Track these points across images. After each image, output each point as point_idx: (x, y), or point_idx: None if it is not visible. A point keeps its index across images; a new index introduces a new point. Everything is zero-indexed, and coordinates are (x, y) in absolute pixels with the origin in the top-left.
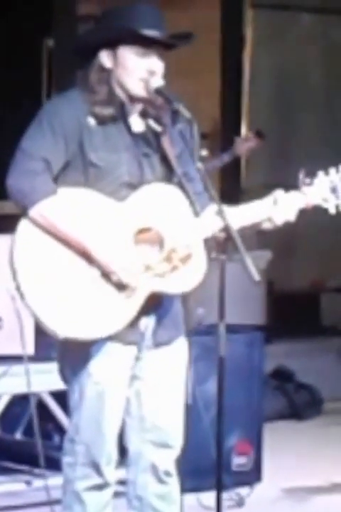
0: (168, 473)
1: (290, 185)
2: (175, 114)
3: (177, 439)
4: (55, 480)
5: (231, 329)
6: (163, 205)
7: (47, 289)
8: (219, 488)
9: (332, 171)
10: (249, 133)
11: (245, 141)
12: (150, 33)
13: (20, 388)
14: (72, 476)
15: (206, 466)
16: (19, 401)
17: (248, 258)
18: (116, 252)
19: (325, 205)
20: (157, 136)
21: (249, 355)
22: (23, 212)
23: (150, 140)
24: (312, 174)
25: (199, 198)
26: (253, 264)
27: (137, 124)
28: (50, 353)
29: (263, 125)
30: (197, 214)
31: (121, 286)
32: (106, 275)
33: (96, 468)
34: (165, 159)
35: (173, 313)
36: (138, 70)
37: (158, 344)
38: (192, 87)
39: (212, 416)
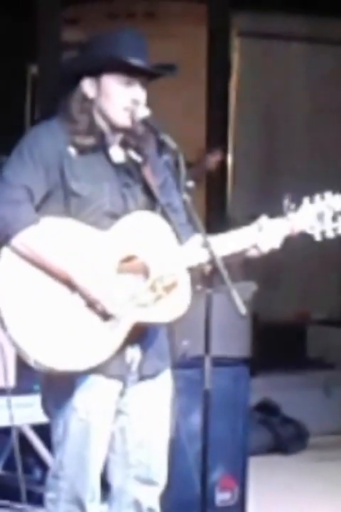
0: (151, 510)
1: (277, 213)
2: (161, 145)
3: (161, 475)
4: None
5: (216, 362)
6: (147, 234)
7: (29, 319)
8: None
9: (317, 197)
10: (216, 148)
11: (213, 156)
12: (136, 61)
13: (2, 421)
14: None
15: (189, 501)
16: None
17: (234, 291)
18: (100, 281)
19: (310, 232)
20: (138, 166)
21: (234, 388)
22: (4, 242)
23: (131, 170)
24: (297, 201)
25: (183, 228)
26: (239, 297)
27: (117, 154)
28: (31, 385)
29: (250, 153)
30: (181, 243)
31: (105, 316)
32: (90, 305)
33: (80, 504)
34: (147, 189)
35: (158, 344)
36: (121, 100)
37: (143, 377)
38: (177, 115)
39: (196, 450)
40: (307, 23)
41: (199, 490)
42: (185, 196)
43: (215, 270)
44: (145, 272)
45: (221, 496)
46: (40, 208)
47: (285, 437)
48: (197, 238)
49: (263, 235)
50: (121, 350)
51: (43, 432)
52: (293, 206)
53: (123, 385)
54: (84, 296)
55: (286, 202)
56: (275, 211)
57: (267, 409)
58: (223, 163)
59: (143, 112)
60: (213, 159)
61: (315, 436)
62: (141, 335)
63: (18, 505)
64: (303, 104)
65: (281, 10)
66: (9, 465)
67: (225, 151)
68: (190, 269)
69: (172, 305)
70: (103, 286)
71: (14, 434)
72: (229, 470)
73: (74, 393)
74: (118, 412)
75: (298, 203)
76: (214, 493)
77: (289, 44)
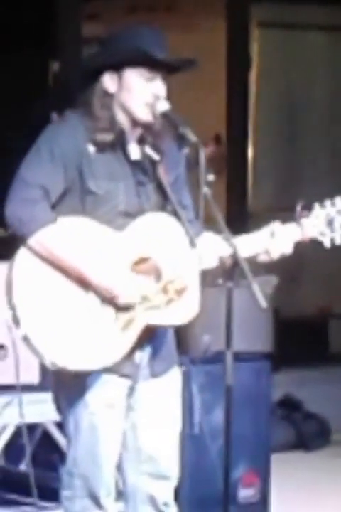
0: (166, 504)
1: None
2: (181, 138)
3: (173, 469)
4: None
5: (238, 357)
6: (160, 236)
7: (43, 318)
8: None
9: (328, 203)
10: (208, 139)
11: (207, 148)
12: (159, 55)
13: (25, 418)
14: (71, 509)
15: (212, 497)
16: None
17: (255, 285)
18: (116, 277)
19: (320, 239)
20: (153, 164)
21: (256, 383)
22: (21, 241)
23: (147, 168)
24: (309, 206)
25: (191, 226)
26: (260, 291)
27: (135, 151)
28: None
29: (270, 146)
30: (193, 244)
31: (121, 309)
32: (105, 300)
33: (96, 500)
34: (159, 187)
35: (167, 343)
36: (143, 94)
37: (153, 375)
38: (197, 108)
39: (218, 446)
40: (327, 12)
41: (222, 486)
42: (205, 189)
43: (236, 264)
44: (158, 274)
45: (244, 492)
46: (56, 206)
47: (308, 433)
48: (209, 236)
49: (275, 241)
50: (132, 352)
51: None
52: (305, 212)
53: (134, 383)
54: (101, 293)
55: (299, 208)
56: (295, 207)
57: (289, 405)
58: (219, 154)
59: (164, 105)
60: (206, 151)
61: (338, 432)
62: (151, 336)
63: (44, 503)
64: (324, 95)
65: None
66: (33, 462)
67: (218, 142)
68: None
69: (184, 308)
70: (119, 281)
71: (24, 431)
72: (251, 466)
73: (86, 391)
74: (129, 408)
75: (310, 207)
76: (237, 489)
77: (309, 34)
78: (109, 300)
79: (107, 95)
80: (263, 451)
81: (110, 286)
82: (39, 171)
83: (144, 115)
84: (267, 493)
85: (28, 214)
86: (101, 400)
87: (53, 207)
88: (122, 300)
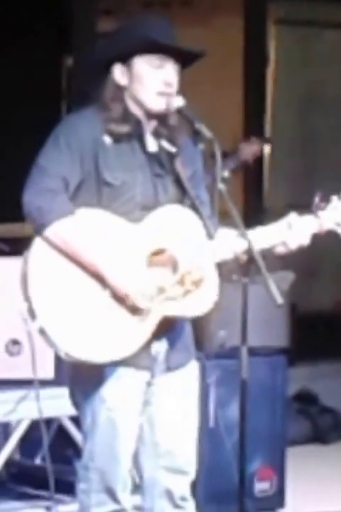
0: (184, 499)
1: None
2: (196, 134)
3: (190, 464)
4: (75, 506)
5: (254, 352)
6: (177, 228)
7: (59, 309)
8: None
9: None
10: (254, 137)
11: (250, 146)
12: (166, 41)
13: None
14: (87, 503)
15: (228, 491)
16: (39, 425)
17: (271, 281)
18: (130, 275)
19: (337, 230)
20: (170, 157)
21: (272, 378)
22: (37, 231)
23: (163, 161)
24: (327, 198)
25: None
26: (276, 287)
27: (152, 143)
28: None
29: (287, 143)
30: (210, 237)
31: (134, 310)
32: (120, 299)
33: (112, 494)
34: (177, 181)
35: (184, 336)
36: (154, 83)
37: (170, 368)
38: (214, 105)
39: (234, 440)
40: None
41: (238, 480)
42: (221, 186)
43: (251, 260)
44: (175, 266)
45: (260, 486)
46: (73, 197)
47: (324, 427)
48: (226, 232)
49: (292, 233)
50: (149, 344)
51: None
52: (322, 204)
53: (151, 376)
54: (114, 289)
55: (316, 199)
56: (311, 204)
57: (306, 399)
58: (261, 154)
59: (178, 101)
60: (249, 150)
61: None
62: (168, 328)
63: (58, 496)
64: None
65: None
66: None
67: (265, 141)
68: (224, 262)
69: (201, 299)
70: (134, 280)
71: (42, 425)
72: (267, 460)
73: (103, 384)
74: (146, 402)
75: (327, 199)
76: (253, 483)
77: (326, 31)
78: (122, 299)
79: (119, 88)
80: (278, 445)
81: (124, 285)
82: (57, 161)
83: (156, 105)
84: (283, 486)
85: (48, 204)
86: (118, 395)
87: (70, 198)
88: (134, 301)
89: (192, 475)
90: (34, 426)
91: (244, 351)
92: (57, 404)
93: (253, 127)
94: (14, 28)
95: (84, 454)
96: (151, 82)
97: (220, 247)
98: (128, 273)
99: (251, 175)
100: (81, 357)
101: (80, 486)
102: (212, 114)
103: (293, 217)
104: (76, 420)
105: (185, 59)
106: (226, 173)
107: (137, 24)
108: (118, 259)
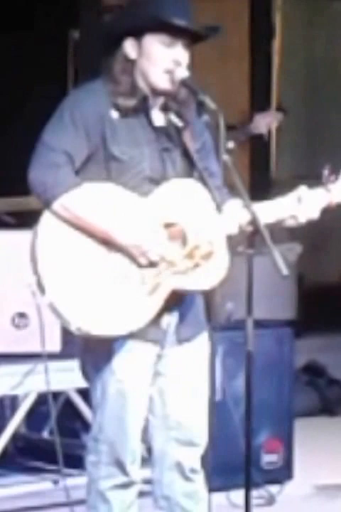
0: (193, 471)
1: (320, 176)
2: (200, 106)
3: (201, 436)
4: (83, 479)
5: (261, 324)
6: (186, 201)
7: (68, 283)
8: (248, 485)
9: None
10: (269, 108)
11: (264, 118)
12: (179, 21)
13: (48, 386)
14: (96, 475)
15: (235, 463)
16: (45, 399)
17: (276, 252)
18: (144, 234)
19: None
20: (178, 130)
21: (279, 350)
22: (45, 205)
23: (172, 134)
24: (336, 171)
25: (218, 192)
26: (283, 258)
27: (158, 118)
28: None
29: (294, 115)
30: (219, 210)
31: (150, 264)
32: (132, 268)
33: (121, 466)
34: (185, 154)
35: (195, 309)
36: (163, 61)
37: (180, 341)
38: (220, 78)
39: (241, 413)
40: None
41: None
42: (225, 157)
43: (257, 231)
44: (184, 240)
45: (267, 458)
46: (81, 172)
47: (332, 399)
48: (234, 203)
49: (302, 206)
50: (159, 317)
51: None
52: (333, 177)
53: (161, 349)
54: (128, 252)
55: (326, 172)
56: (320, 173)
57: (313, 371)
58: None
59: (183, 72)
60: (263, 121)
61: None
62: (178, 301)
63: (66, 470)
64: None
65: None
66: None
67: (281, 111)
68: (232, 234)
69: (209, 273)
70: (146, 235)
71: (50, 398)
72: (275, 432)
73: (113, 357)
74: (157, 374)
75: (337, 172)
76: (260, 455)
77: (333, 3)
78: (138, 257)
79: (128, 61)
80: (286, 417)
81: (139, 242)
82: (62, 136)
83: (162, 83)
84: (291, 458)
85: (52, 178)
86: (128, 367)
87: (77, 173)
88: (152, 255)
89: (202, 447)
90: (40, 400)
91: (249, 323)
92: (64, 377)
93: (259, 99)
94: (20, 2)
95: (93, 427)
96: (160, 59)
97: (226, 220)
98: (139, 230)
99: (258, 147)
100: (92, 331)
101: (89, 458)
102: (218, 86)
103: (303, 190)
104: (83, 393)
105: (197, 36)
106: (230, 144)
107: (151, 0)
108: (129, 224)
